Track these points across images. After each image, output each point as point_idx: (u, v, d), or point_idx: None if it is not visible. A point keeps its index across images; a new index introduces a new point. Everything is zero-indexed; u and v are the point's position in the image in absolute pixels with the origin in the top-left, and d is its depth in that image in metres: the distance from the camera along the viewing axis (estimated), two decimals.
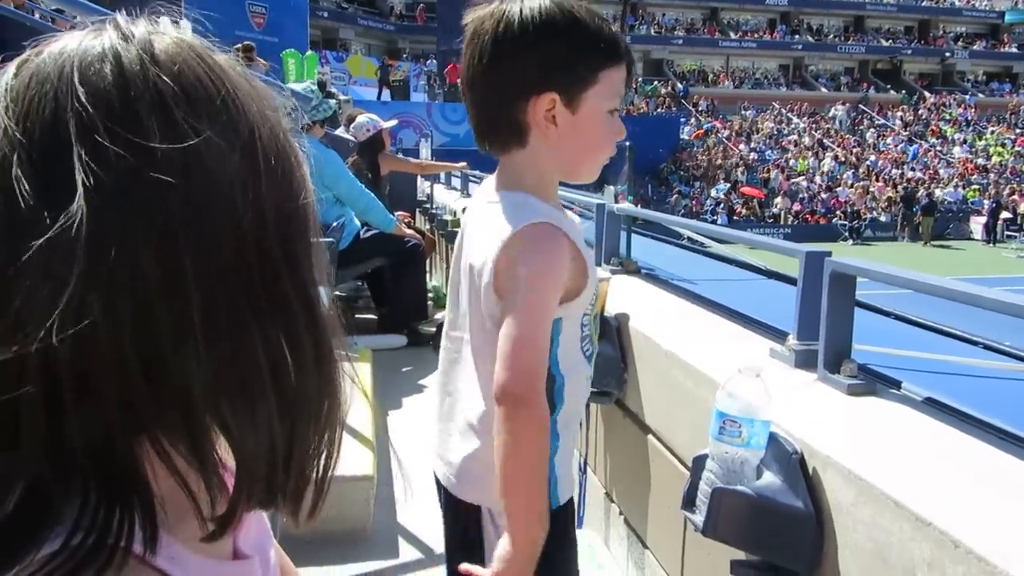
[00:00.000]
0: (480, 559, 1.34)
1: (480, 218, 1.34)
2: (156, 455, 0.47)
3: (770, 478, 1.45)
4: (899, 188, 29.69)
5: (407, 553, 2.76)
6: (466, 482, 1.38)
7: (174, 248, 0.44)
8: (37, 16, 6.23)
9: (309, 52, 12.76)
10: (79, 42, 0.47)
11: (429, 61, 31.77)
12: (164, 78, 0.46)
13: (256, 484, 0.50)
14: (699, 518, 1.50)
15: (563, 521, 1.40)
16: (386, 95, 26.25)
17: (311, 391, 0.52)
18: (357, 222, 4.99)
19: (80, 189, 0.42)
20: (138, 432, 0.47)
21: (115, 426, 0.45)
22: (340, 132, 6.79)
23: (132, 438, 0.46)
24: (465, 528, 1.40)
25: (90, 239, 0.42)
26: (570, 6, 1.24)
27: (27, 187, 0.43)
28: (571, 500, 1.44)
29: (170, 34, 0.50)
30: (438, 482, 1.45)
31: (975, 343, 2.05)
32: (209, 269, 0.46)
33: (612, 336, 2.36)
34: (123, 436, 0.46)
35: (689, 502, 1.55)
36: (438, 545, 2.76)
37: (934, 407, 1.43)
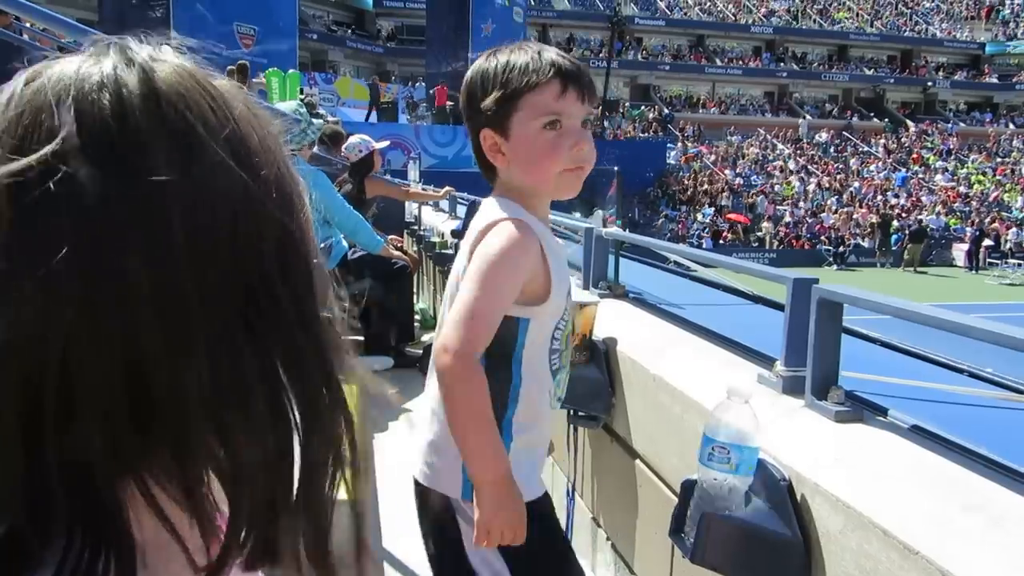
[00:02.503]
0: (456, 547, 1.49)
1: (472, 227, 1.53)
2: (143, 499, 0.46)
3: (758, 505, 1.44)
4: (881, 215, 29.87)
5: None
6: (431, 472, 1.52)
7: (173, 280, 0.44)
8: (25, 36, 6.22)
9: (291, 71, 12.66)
10: (77, 68, 0.46)
11: (418, 84, 31.82)
12: (165, 108, 0.45)
13: (252, 528, 0.48)
14: (687, 544, 1.49)
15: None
16: (374, 116, 26.32)
17: (320, 423, 0.50)
18: (345, 243, 4.98)
19: (74, 223, 0.42)
20: (123, 471, 0.45)
21: (99, 463, 0.44)
22: (320, 151, 6.77)
23: (117, 478, 0.45)
24: (436, 518, 1.53)
25: (85, 270, 0.42)
26: (498, 57, 1.49)
27: (20, 216, 0.42)
28: (536, 503, 1.51)
29: (171, 61, 0.49)
30: (415, 481, 1.57)
31: (960, 370, 2.06)
32: (207, 300, 0.45)
33: (600, 360, 2.36)
34: (107, 474, 0.44)
35: (677, 528, 1.55)
36: (425, 569, 2.73)
37: (921, 435, 1.43)
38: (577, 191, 1.52)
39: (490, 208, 1.51)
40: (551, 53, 1.48)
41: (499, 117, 1.46)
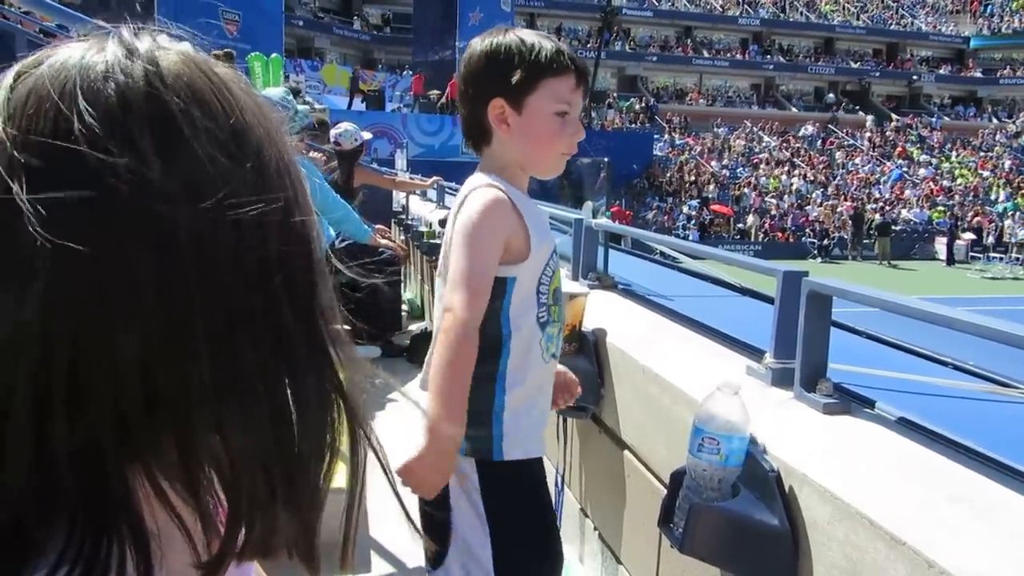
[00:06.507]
0: (444, 501, 1.56)
1: (456, 197, 1.65)
2: (150, 487, 0.45)
3: (747, 495, 1.46)
4: (853, 207, 29.90)
5: (379, 567, 2.73)
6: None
7: (178, 273, 0.43)
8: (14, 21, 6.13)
9: (274, 55, 12.41)
10: (81, 56, 0.45)
11: (405, 73, 31.57)
12: (171, 97, 0.45)
13: (252, 523, 0.48)
14: (676, 534, 1.50)
15: (515, 478, 1.61)
16: (359, 104, 26.13)
17: (318, 416, 0.50)
18: (332, 232, 4.96)
19: (81, 213, 0.41)
20: (132, 460, 0.45)
21: (110, 451, 0.43)
22: (306, 139, 6.73)
23: (126, 467, 0.45)
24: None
25: (90, 264, 0.41)
26: (519, 35, 1.59)
27: (26, 208, 0.41)
28: (533, 463, 1.63)
29: (174, 49, 0.48)
30: None
31: (944, 363, 2.08)
32: (212, 295, 0.44)
33: (589, 351, 2.36)
34: (117, 463, 0.44)
35: (666, 518, 1.56)
36: (411, 559, 2.74)
37: (907, 427, 1.45)
38: (559, 173, 1.69)
39: (471, 180, 1.63)
40: (562, 44, 1.60)
41: (518, 91, 1.55)
